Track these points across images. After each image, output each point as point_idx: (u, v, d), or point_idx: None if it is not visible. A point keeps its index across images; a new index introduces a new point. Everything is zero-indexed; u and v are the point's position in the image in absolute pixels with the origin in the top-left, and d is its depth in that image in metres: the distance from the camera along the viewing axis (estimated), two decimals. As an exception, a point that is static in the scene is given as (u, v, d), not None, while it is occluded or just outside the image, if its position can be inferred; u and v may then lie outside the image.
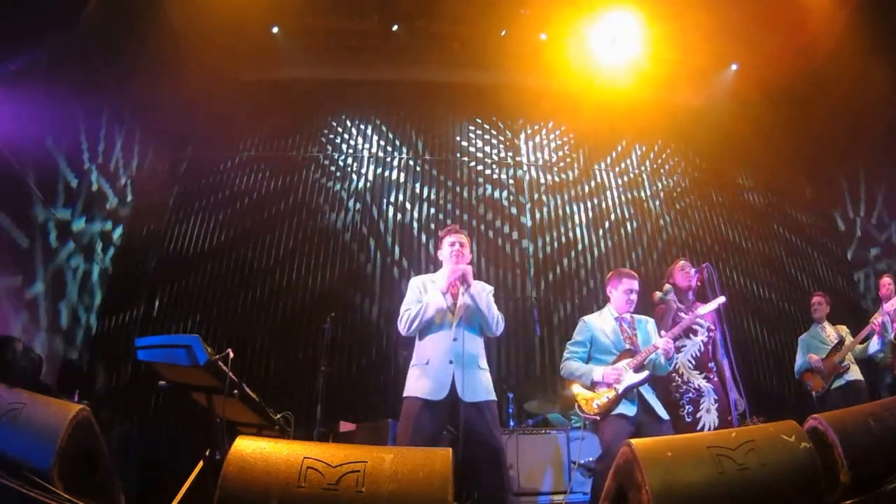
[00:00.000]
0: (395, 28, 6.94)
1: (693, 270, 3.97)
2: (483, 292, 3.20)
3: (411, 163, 7.29)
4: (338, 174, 7.17)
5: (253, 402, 2.75)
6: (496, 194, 7.15)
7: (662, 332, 3.51)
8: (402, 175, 7.19)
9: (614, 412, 3.22)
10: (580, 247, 6.93)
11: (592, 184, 7.38)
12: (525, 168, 7.40)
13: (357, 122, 7.56)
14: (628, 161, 7.64)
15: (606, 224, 7.12)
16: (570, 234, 6.99)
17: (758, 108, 7.06)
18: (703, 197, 7.49)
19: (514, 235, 6.90)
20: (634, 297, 3.53)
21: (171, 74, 6.14)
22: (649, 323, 3.60)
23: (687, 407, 3.68)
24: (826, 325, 5.07)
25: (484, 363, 3.14)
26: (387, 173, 7.20)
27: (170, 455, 4.51)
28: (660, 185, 7.51)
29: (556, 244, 6.91)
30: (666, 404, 3.66)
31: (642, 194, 7.39)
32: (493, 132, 7.63)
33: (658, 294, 3.91)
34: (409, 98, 7.56)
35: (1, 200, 4.49)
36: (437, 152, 7.41)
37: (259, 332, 6.12)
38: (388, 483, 1.69)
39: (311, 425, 4.23)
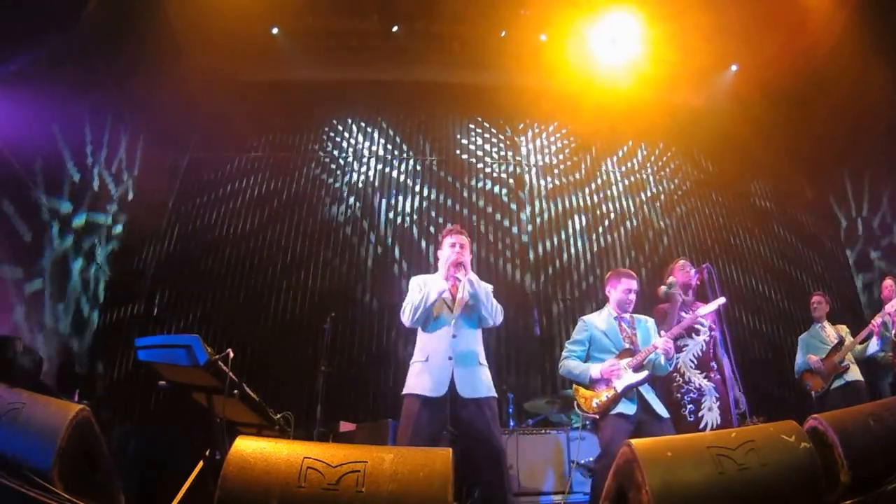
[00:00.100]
0: (395, 28, 6.94)
1: (693, 270, 3.97)
2: (482, 283, 3.21)
3: (411, 163, 7.29)
4: (338, 174, 7.18)
5: (253, 402, 2.75)
6: (496, 194, 7.15)
7: (662, 332, 3.51)
8: (403, 175, 7.20)
9: (613, 411, 3.22)
10: (580, 246, 6.94)
11: (592, 184, 7.38)
12: (525, 168, 7.40)
13: (357, 123, 7.57)
14: (628, 162, 7.64)
15: (606, 224, 7.12)
16: (570, 234, 6.99)
17: (758, 108, 7.06)
18: (703, 197, 7.49)
19: (515, 235, 6.90)
20: (633, 296, 3.53)
21: (172, 74, 6.14)
22: (649, 322, 3.61)
23: (689, 406, 3.68)
24: (826, 324, 5.08)
25: (483, 359, 3.16)
26: (387, 173, 7.20)
27: (170, 455, 4.49)
28: (660, 185, 7.51)
29: (555, 244, 6.91)
30: (668, 404, 3.67)
31: (642, 194, 7.39)
32: (493, 132, 7.64)
33: (663, 288, 3.92)
34: (409, 98, 7.56)
35: (1, 200, 4.49)
36: (437, 152, 7.41)
37: (259, 332, 6.13)
38: (388, 483, 1.69)
39: (311, 425, 4.23)
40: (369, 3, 6.77)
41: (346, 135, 7.50)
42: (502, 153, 7.51)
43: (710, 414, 3.64)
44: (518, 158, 7.48)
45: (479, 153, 7.47)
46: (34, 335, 4.90)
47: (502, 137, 7.63)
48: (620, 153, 7.68)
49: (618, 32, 6.60)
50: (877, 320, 4.68)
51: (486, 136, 7.61)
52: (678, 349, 3.80)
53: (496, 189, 7.20)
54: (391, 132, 7.52)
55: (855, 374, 4.77)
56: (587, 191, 7.33)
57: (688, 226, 7.24)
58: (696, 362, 3.78)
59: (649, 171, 7.60)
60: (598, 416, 3.30)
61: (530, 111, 7.60)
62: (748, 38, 6.67)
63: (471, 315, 3.18)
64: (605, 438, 3.22)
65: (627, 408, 3.22)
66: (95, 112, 5.69)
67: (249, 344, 5.93)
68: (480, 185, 7.21)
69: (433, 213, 6.95)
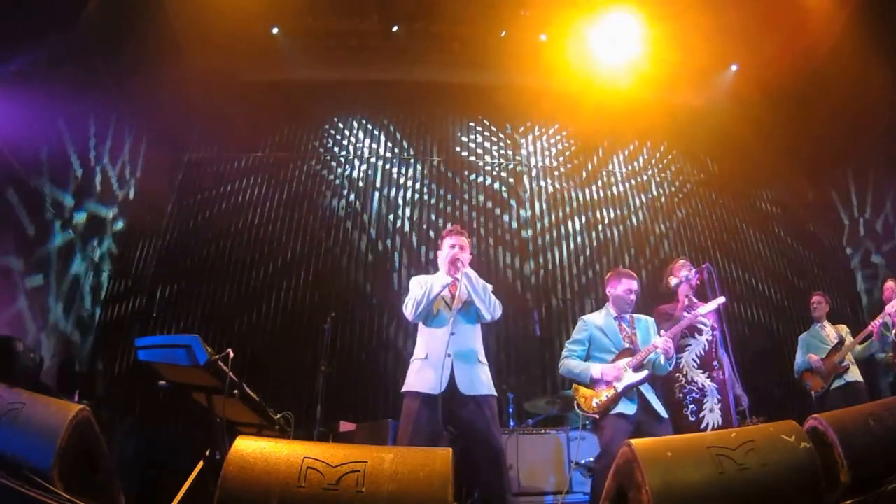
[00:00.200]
0: (395, 28, 6.95)
1: (693, 270, 3.97)
2: (480, 280, 3.23)
3: (411, 163, 7.29)
4: (337, 174, 7.18)
5: (253, 402, 2.75)
6: (496, 195, 7.15)
7: (662, 332, 3.51)
8: (403, 176, 7.20)
9: (613, 411, 3.22)
10: (581, 246, 6.94)
11: (593, 184, 7.38)
12: (525, 168, 7.40)
13: (357, 123, 7.57)
14: (628, 162, 7.64)
15: (607, 224, 7.12)
16: (571, 234, 6.99)
17: (758, 108, 7.06)
18: (703, 197, 7.49)
19: (515, 235, 6.90)
20: (634, 296, 3.54)
21: (172, 74, 6.14)
22: (649, 322, 3.61)
23: (691, 406, 3.69)
24: (826, 324, 5.08)
25: (483, 357, 3.17)
26: (387, 173, 7.21)
27: (170, 455, 4.50)
28: (660, 185, 7.51)
29: (555, 243, 6.91)
30: (670, 403, 3.68)
31: (642, 194, 7.39)
32: (493, 132, 7.64)
33: (673, 280, 3.92)
34: (410, 98, 7.56)
35: (1, 200, 4.49)
36: (438, 152, 7.41)
37: (259, 332, 6.13)
38: (388, 483, 1.69)
39: (311, 425, 4.24)
40: (369, 3, 6.77)
41: (346, 135, 7.50)
42: (502, 153, 7.51)
43: (712, 415, 3.64)
44: (518, 158, 7.48)
45: (479, 152, 7.47)
46: (35, 335, 4.90)
47: (502, 137, 7.63)
48: (620, 153, 7.68)
49: (618, 32, 6.60)
50: (877, 321, 4.68)
51: (486, 135, 7.61)
52: (681, 349, 3.81)
53: (496, 189, 7.20)
54: (391, 132, 7.52)
55: (855, 374, 4.77)
56: (587, 191, 7.33)
57: (688, 225, 7.24)
58: (698, 362, 3.78)
59: (649, 171, 7.60)
60: (598, 416, 3.30)
61: (530, 111, 7.60)
62: (748, 38, 6.68)
63: (469, 312, 3.19)
64: (605, 438, 3.22)
65: (627, 407, 3.22)
66: (95, 112, 5.68)
67: (249, 344, 5.94)
68: (480, 185, 7.21)
69: (433, 214, 6.95)
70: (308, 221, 6.80)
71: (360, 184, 7.11)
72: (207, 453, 2.50)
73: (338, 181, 7.13)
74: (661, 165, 7.67)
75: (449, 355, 3.00)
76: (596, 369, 3.34)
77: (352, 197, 7.01)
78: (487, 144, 7.54)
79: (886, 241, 6.66)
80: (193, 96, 6.43)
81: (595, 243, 6.98)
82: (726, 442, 1.84)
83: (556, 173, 7.41)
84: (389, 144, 7.44)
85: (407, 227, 6.84)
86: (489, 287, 3.26)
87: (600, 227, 7.10)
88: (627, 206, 7.28)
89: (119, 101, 5.97)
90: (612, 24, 6.54)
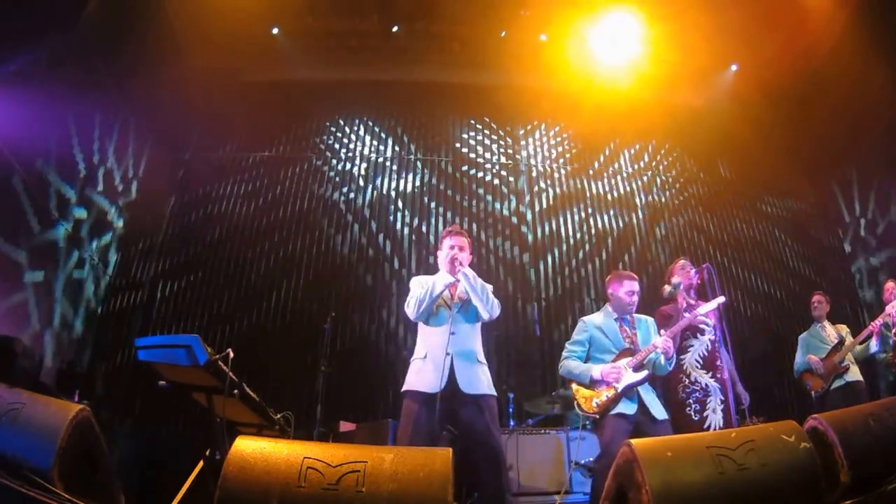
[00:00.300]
0: (395, 28, 6.95)
1: (693, 270, 3.97)
2: (479, 278, 3.23)
3: (412, 163, 7.29)
4: (337, 173, 7.18)
5: (253, 401, 2.75)
6: (496, 194, 7.15)
7: (662, 332, 3.51)
8: (403, 175, 7.19)
9: (613, 411, 3.22)
10: (580, 247, 6.93)
11: (592, 184, 7.38)
12: (525, 168, 7.40)
13: (357, 123, 7.57)
14: (628, 161, 7.64)
15: (606, 223, 7.12)
16: (570, 234, 6.99)
17: (758, 108, 7.06)
18: (703, 197, 7.49)
19: (514, 234, 6.90)
20: (636, 297, 3.53)
21: (172, 74, 6.14)
22: (649, 322, 3.61)
23: (694, 406, 3.68)
24: (826, 324, 5.08)
25: (482, 357, 3.18)
26: (386, 172, 7.20)
27: (170, 455, 4.50)
28: (659, 184, 7.51)
29: (555, 243, 6.91)
30: (672, 404, 3.68)
31: (642, 194, 7.39)
32: (493, 132, 7.64)
33: (667, 288, 3.92)
34: (410, 98, 7.56)
35: (2, 200, 4.49)
36: (437, 152, 7.41)
37: (259, 332, 6.13)
38: (388, 483, 1.69)
39: (311, 425, 4.24)
40: (369, 3, 6.77)
41: (346, 134, 7.49)
42: (502, 153, 7.51)
43: (715, 415, 3.63)
44: (518, 157, 7.48)
45: (479, 152, 7.46)
46: (35, 334, 4.90)
47: (502, 136, 7.63)
48: (620, 153, 7.68)
49: (618, 32, 6.60)
50: (877, 321, 4.68)
51: (486, 135, 7.61)
52: (684, 350, 3.80)
53: (496, 189, 7.20)
54: (391, 132, 7.52)
55: (855, 374, 4.77)
56: (587, 191, 7.32)
57: (688, 225, 7.24)
58: (701, 362, 3.78)
59: (649, 171, 7.60)
60: (597, 416, 3.30)
61: (530, 111, 7.60)
62: (748, 38, 6.68)
63: (469, 312, 3.20)
64: (604, 438, 3.22)
65: (627, 408, 3.22)
66: (95, 112, 5.69)
67: (249, 344, 5.94)
68: (481, 184, 7.20)
69: (433, 214, 6.94)
70: (308, 221, 6.80)
71: (361, 183, 7.11)
72: (207, 453, 2.50)
73: (338, 181, 7.12)
74: (661, 166, 7.67)
75: (448, 354, 3.00)
76: (596, 370, 3.34)
77: (352, 196, 7.01)
78: (487, 142, 7.54)
79: (886, 240, 6.66)
80: (194, 96, 6.43)
81: (595, 243, 6.97)
82: (726, 442, 1.84)
83: (556, 173, 7.41)
84: (389, 144, 7.43)
85: (407, 227, 6.84)
86: (488, 287, 3.27)
87: (601, 226, 7.09)
88: (628, 205, 7.28)
89: (119, 101, 5.97)
90: (612, 24, 6.54)
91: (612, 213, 7.21)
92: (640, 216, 7.22)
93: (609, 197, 7.32)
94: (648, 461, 1.79)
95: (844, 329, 5.03)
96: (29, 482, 1.86)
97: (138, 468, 4.87)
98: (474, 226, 6.84)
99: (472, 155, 7.43)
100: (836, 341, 4.91)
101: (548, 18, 6.70)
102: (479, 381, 3.05)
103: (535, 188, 7.26)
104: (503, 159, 7.46)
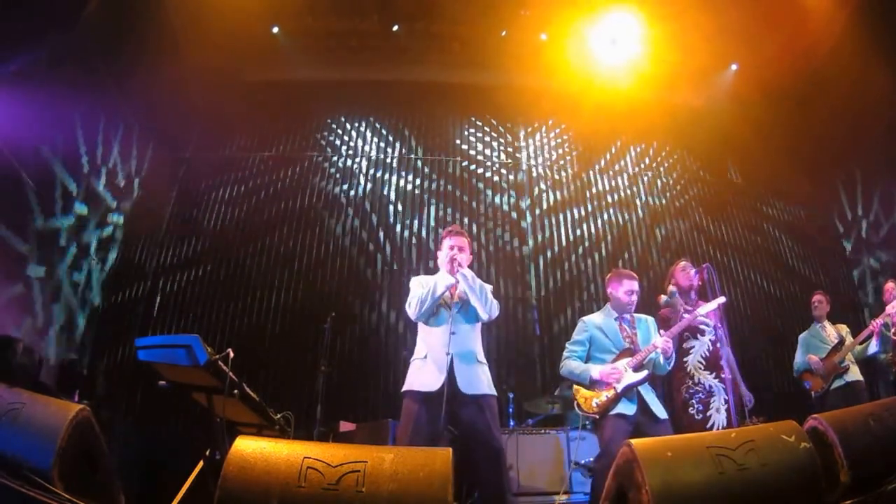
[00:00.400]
0: (395, 28, 6.95)
1: (693, 271, 3.97)
2: (478, 279, 3.24)
3: (411, 162, 7.29)
4: (337, 174, 7.18)
5: (253, 401, 2.75)
6: (496, 194, 7.15)
7: (662, 332, 3.51)
8: (402, 174, 7.19)
9: (613, 411, 3.22)
10: (580, 246, 6.94)
11: (592, 184, 7.38)
12: (525, 168, 7.40)
13: (357, 122, 7.57)
14: (628, 161, 7.64)
15: (606, 223, 7.12)
16: (570, 234, 6.99)
17: (758, 108, 7.06)
18: (702, 197, 7.49)
19: (514, 234, 6.90)
20: (635, 297, 3.53)
21: (172, 74, 6.14)
22: (649, 321, 3.60)
23: (697, 406, 3.68)
24: (826, 323, 5.07)
25: (482, 357, 3.18)
26: (386, 173, 7.20)
27: (170, 455, 4.50)
28: (660, 185, 7.51)
29: (555, 244, 6.91)
30: (676, 404, 3.68)
31: (642, 194, 7.39)
32: (493, 132, 7.64)
33: (663, 297, 3.91)
34: (410, 98, 7.56)
35: (1, 200, 4.49)
36: (437, 152, 7.41)
37: (259, 332, 6.13)
38: (388, 483, 1.69)
39: (311, 425, 4.24)
40: (369, 3, 6.78)
41: (346, 134, 7.49)
42: (502, 153, 7.51)
43: (719, 415, 3.63)
44: (518, 156, 7.49)
45: (480, 152, 7.46)
46: (35, 335, 4.90)
47: (502, 136, 7.63)
48: (620, 153, 7.67)
49: (618, 32, 6.60)
50: (877, 321, 4.68)
51: (486, 135, 7.61)
52: (686, 352, 3.80)
53: (496, 188, 7.19)
54: (391, 132, 7.52)
55: (855, 374, 4.77)
56: (587, 190, 7.32)
57: (687, 225, 7.24)
58: (704, 363, 3.77)
59: (649, 170, 7.60)
60: (597, 416, 3.30)
61: (530, 111, 7.60)
62: (748, 38, 6.68)
63: (469, 312, 3.20)
64: (604, 438, 3.23)
65: (627, 408, 3.22)
66: (95, 112, 5.69)
67: (249, 344, 5.94)
68: (480, 184, 7.20)
69: (433, 213, 6.94)
70: (308, 220, 6.79)
71: (361, 183, 7.11)
72: (207, 453, 2.50)
73: (338, 180, 7.12)
74: (664, 167, 7.66)
75: (448, 354, 3.00)
76: (595, 371, 3.34)
77: (352, 196, 7.01)
78: (488, 138, 7.55)
79: (886, 240, 6.66)
80: (194, 96, 6.44)
81: (595, 242, 6.97)
82: (726, 442, 1.84)
83: (556, 175, 7.41)
84: (390, 144, 7.43)
85: (407, 227, 6.84)
86: (487, 287, 3.27)
87: (601, 225, 7.09)
88: (628, 205, 7.28)
89: (119, 101, 5.97)
90: (612, 24, 6.54)
91: (611, 212, 7.21)
92: (640, 216, 7.21)
93: (609, 197, 7.32)
94: (648, 461, 1.79)
95: (844, 329, 5.03)
96: (29, 482, 1.86)
97: (138, 468, 4.87)
98: (474, 226, 6.83)
99: (472, 152, 7.43)
100: (836, 341, 4.91)
101: (548, 18, 6.70)
102: (480, 380, 3.05)
103: (536, 188, 7.25)
104: (503, 158, 7.45)
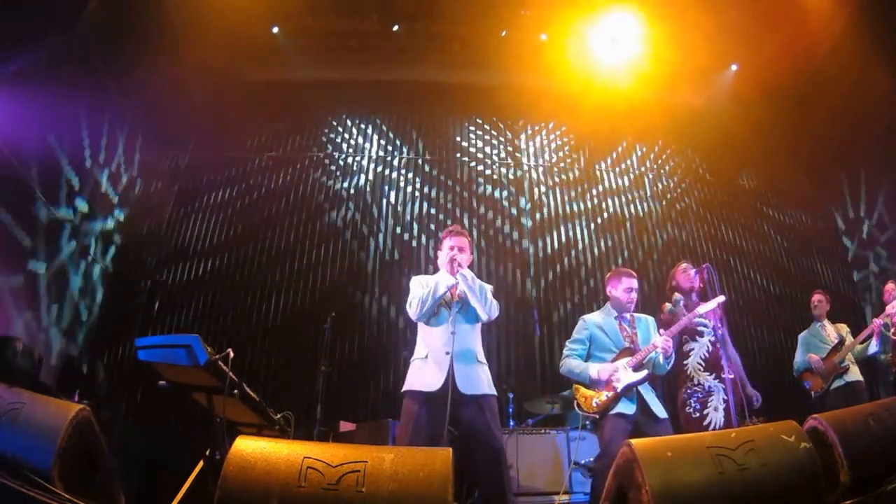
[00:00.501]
0: (395, 28, 6.94)
1: (694, 271, 3.97)
2: (477, 279, 3.23)
3: (411, 163, 7.29)
4: (338, 174, 7.18)
5: (253, 401, 2.75)
6: (496, 194, 7.16)
7: (662, 331, 3.50)
8: (402, 175, 7.20)
9: (613, 411, 3.22)
10: (580, 246, 6.94)
11: (593, 184, 7.38)
12: (525, 168, 7.40)
13: (357, 122, 7.57)
14: (628, 161, 7.64)
15: (606, 224, 7.12)
16: (570, 234, 7.00)
17: (758, 108, 7.06)
18: (703, 197, 7.50)
19: (515, 235, 6.91)
20: (635, 295, 3.54)
21: (172, 74, 6.14)
22: (649, 321, 3.61)
23: (694, 405, 3.69)
24: (826, 323, 5.08)
25: (482, 356, 3.18)
26: (387, 173, 7.21)
27: (170, 455, 4.49)
28: (660, 185, 7.52)
29: (556, 244, 6.91)
30: (676, 405, 3.68)
31: (642, 195, 7.40)
32: (494, 132, 7.64)
33: (668, 306, 3.90)
34: (410, 98, 7.56)
35: (2, 200, 4.49)
36: (438, 152, 7.41)
37: (259, 332, 6.13)
38: (388, 483, 1.69)
39: (311, 425, 4.24)
40: (369, 3, 6.77)
41: (346, 134, 7.50)
42: (502, 153, 7.51)
43: (716, 414, 3.64)
44: (518, 155, 7.49)
45: (480, 151, 7.46)
46: (34, 335, 4.90)
47: (503, 136, 7.63)
48: (620, 153, 7.68)
49: (618, 32, 6.59)
50: (878, 320, 4.68)
51: (486, 135, 7.61)
52: (685, 355, 3.80)
53: (496, 188, 7.20)
54: (391, 132, 7.52)
55: (855, 374, 4.77)
56: (587, 190, 7.33)
57: (687, 225, 7.24)
58: (704, 364, 3.78)
59: (649, 170, 7.60)
60: (597, 416, 3.30)
61: (530, 111, 7.60)
62: (748, 38, 6.67)
63: (469, 312, 3.20)
64: (604, 438, 3.23)
65: (627, 407, 3.22)
66: (95, 112, 5.69)
67: (249, 344, 5.94)
68: (480, 184, 7.21)
69: (433, 213, 6.95)
70: (307, 220, 6.80)
71: (360, 183, 7.11)
72: (207, 453, 2.50)
73: (337, 180, 7.12)
74: (664, 168, 7.66)
75: (448, 353, 3.00)
76: (594, 370, 3.34)
77: (351, 194, 7.01)
78: (488, 138, 7.55)
79: (886, 240, 6.66)
80: (193, 96, 6.44)
81: (594, 242, 6.97)
82: (726, 442, 1.84)
83: (555, 172, 7.41)
84: (389, 144, 7.43)
85: (407, 227, 6.84)
86: (487, 287, 3.27)
87: (600, 225, 7.09)
88: (626, 205, 7.28)
89: (119, 101, 5.97)
90: (612, 24, 6.53)
91: (611, 211, 7.21)
92: (640, 215, 7.21)
93: (609, 196, 7.32)
94: (648, 461, 1.79)
95: (844, 329, 5.03)
96: (29, 482, 1.86)
97: (138, 468, 4.87)
98: (475, 224, 6.84)
99: (473, 154, 7.43)
100: (836, 341, 4.91)
101: (548, 18, 6.69)
102: (480, 380, 3.05)
103: (535, 189, 7.26)
104: (503, 158, 7.45)
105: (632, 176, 7.52)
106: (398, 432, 3.07)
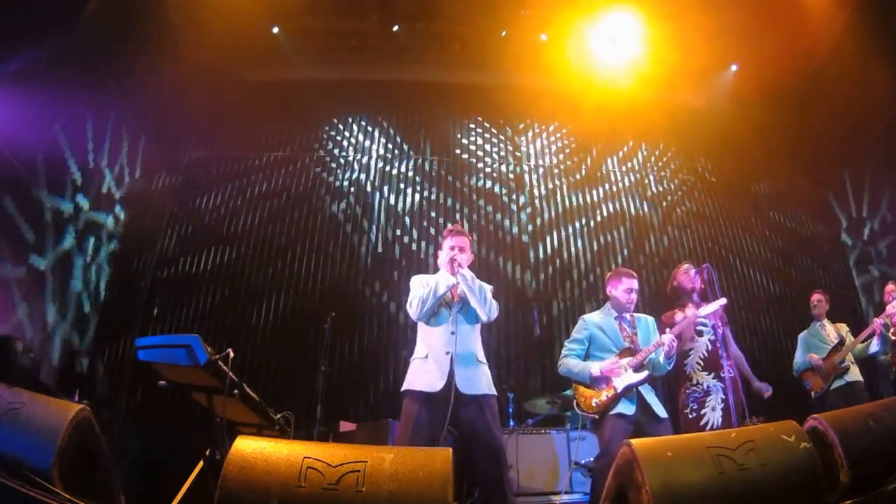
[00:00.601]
0: (395, 28, 6.94)
1: (694, 272, 3.97)
2: (477, 279, 3.23)
3: (411, 163, 7.29)
4: (337, 174, 7.18)
5: (253, 401, 2.75)
6: (496, 194, 7.15)
7: (668, 330, 3.50)
8: (403, 175, 7.19)
9: (613, 411, 3.23)
10: (580, 246, 6.94)
11: (593, 184, 7.38)
12: (525, 168, 7.40)
13: (357, 123, 7.57)
14: (628, 161, 7.64)
15: (607, 223, 7.12)
16: (571, 234, 6.99)
17: (758, 108, 7.05)
18: (702, 197, 7.49)
19: (515, 235, 6.91)
20: (634, 295, 3.54)
21: (171, 74, 6.13)
22: (649, 321, 3.61)
23: (692, 405, 3.69)
24: (826, 323, 5.08)
25: (482, 357, 3.18)
26: (387, 173, 7.21)
27: (170, 455, 4.50)
28: (660, 185, 7.52)
29: (555, 244, 6.91)
30: (673, 404, 3.68)
31: (642, 194, 7.39)
32: (494, 133, 7.64)
33: (678, 315, 3.90)
34: (410, 98, 7.56)
35: (2, 200, 4.49)
36: (438, 152, 7.41)
37: (259, 332, 6.13)
38: (388, 483, 1.69)
39: (311, 425, 4.24)
40: (369, 3, 6.77)
41: (346, 134, 7.50)
42: (502, 153, 7.51)
43: (714, 414, 3.64)
44: (518, 155, 7.49)
45: (480, 152, 7.47)
46: (35, 335, 4.90)
47: (503, 136, 7.63)
48: (620, 153, 7.68)
49: (618, 32, 6.59)
50: (878, 320, 4.68)
51: (486, 135, 7.61)
52: (686, 354, 3.81)
53: (496, 189, 7.20)
54: (391, 132, 7.52)
55: (855, 374, 4.77)
56: (587, 190, 7.33)
57: (687, 225, 7.24)
58: (703, 364, 3.78)
59: (649, 170, 7.60)
60: (597, 416, 3.30)
61: (530, 111, 7.60)
62: (748, 38, 6.67)
63: (469, 312, 3.20)
64: (604, 438, 3.23)
65: (627, 408, 3.22)
66: (95, 112, 5.69)
67: (249, 344, 5.94)
68: (480, 184, 7.21)
69: (433, 213, 6.95)
70: (308, 220, 6.79)
71: (360, 183, 7.11)
72: (207, 453, 2.50)
73: (337, 180, 7.12)
74: (665, 169, 7.66)
75: (448, 353, 3.00)
76: (595, 367, 3.35)
77: (352, 195, 7.01)
78: (488, 138, 7.55)
79: (886, 240, 6.66)
80: (193, 96, 6.43)
81: (595, 243, 6.97)
82: (726, 442, 1.84)
83: (556, 173, 7.41)
84: (389, 144, 7.43)
85: (407, 227, 6.84)
86: (487, 288, 3.26)
87: (600, 226, 7.09)
88: (627, 205, 7.28)
89: (119, 101, 5.97)
90: (612, 24, 6.53)
91: (611, 211, 7.20)
92: (640, 215, 7.21)
93: (608, 196, 7.31)
94: (648, 461, 1.79)
95: (844, 328, 5.03)
96: (29, 482, 1.86)
97: (138, 468, 4.87)
98: (474, 223, 6.84)
99: (472, 155, 7.43)
100: (835, 341, 4.91)
101: (548, 18, 6.69)
102: (480, 380, 3.05)
103: (535, 187, 7.25)
104: (503, 159, 7.45)
105: (632, 176, 7.52)
106: (398, 432, 3.07)
